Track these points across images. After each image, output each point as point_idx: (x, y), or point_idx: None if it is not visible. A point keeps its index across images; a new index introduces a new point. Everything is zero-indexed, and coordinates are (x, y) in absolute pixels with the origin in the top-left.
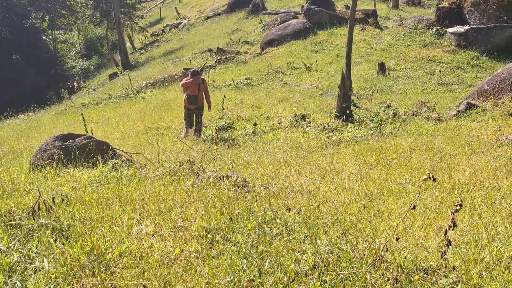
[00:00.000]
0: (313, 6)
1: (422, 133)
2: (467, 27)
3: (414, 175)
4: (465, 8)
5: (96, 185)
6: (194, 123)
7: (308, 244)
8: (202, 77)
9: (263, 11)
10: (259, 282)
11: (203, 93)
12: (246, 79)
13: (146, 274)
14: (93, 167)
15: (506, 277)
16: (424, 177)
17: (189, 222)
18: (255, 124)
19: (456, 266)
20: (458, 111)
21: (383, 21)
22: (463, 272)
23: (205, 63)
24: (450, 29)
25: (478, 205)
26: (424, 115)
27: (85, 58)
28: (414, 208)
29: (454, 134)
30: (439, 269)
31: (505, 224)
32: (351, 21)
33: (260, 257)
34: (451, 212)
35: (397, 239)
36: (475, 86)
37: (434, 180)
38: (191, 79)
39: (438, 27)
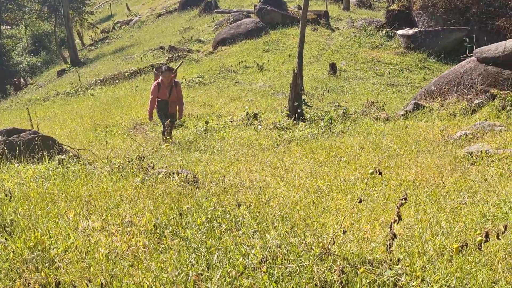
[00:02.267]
0: (266, 6)
1: (371, 132)
2: (416, 29)
3: (362, 172)
4: (414, 11)
5: (42, 181)
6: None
7: (257, 239)
8: (176, 79)
9: (216, 10)
10: (207, 276)
11: (175, 99)
12: (198, 77)
13: (92, 269)
14: (38, 163)
15: (448, 269)
16: (371, 171)
17: (137, 218)
18: (206, 122)
19: (401, 258)
20: (406, 111)
21: (334, 22)
22: (407, 264)
23: (182, 62)
24: (400, 31)
25: (423, 201)
26: (373, 115)
27: (32, 54)
28: (361, 201)
29: (402, 133)
30: (384, 262)
31: (448, 219)
32: (303, 21)
33: (209, 251)
34: (397, 206)
35: (344, 232)
36: (422, 87)
37: (380, 173)
38: (161, 80)
39: (388, 29)
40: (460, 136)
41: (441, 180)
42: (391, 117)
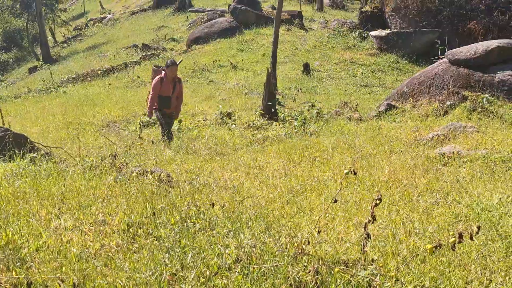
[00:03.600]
0: (240, 6)
1: (344, 133)
2: (389, 31)
3: (336, 172)
4: (386, 12)
5: (13, 179)
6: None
7: (232, 238)
8: (179, 75)
9: (190, 9)
10: (181, 275)
11: (177, 96)
12: None
13: (64, 268)
14: (10, 161)
15: (421, 270)
16: (346, 171)
17: (110, 217)
18: (180, 121)
19: (375, 259)
20: (379, 111)
21: (308, 23)
22: (381, 264)
23: (181, 61)
24: (372, 33)
25: (397, 201)
26: (347, 115)
27: (3, 51)
28: (335, 201)
29: (375, 133)
30: (358, 262)
31: (421, 219)
32: (277, 21)
33: (183, 251)
34: (371, 207)
35: (319, 232)
36: (395, 88)
37: (355, 174)
38: (163, 74)
39: (361, 30)
40: (432, 137)
41: (414, 180)
42: (364, 117)
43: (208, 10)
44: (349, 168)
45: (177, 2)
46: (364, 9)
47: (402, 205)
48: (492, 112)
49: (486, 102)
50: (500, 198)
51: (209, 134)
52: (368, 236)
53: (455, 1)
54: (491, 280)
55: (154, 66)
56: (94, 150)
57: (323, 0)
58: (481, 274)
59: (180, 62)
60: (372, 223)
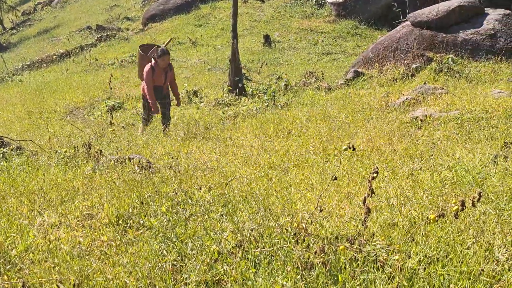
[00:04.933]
0: None
1: (315, 103)
2: None
3: (314, 144)
4: None
5: None
6: (161, 117)
7: (227, 222)
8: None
9: None
10: (181, 265)
11: (169, 82)
12: (130, 56)
13: (58, 268)
14: None
15: (425, 240)
16: (344, 147)
17: (96, 210)
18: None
19: (375, 232)
20: (347, 79)
21: None
22: (382, 238)
23: (170, 40)
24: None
25: (381, 170)
26: (315, 85)
27: None
28: (335, 179)
29: (346, 102)
30: (360, 237)
31: (414, 187)
32: None
33: (180, 239)
34: (368, 180)
35: (321, 210)
36: (356, 54)
37: (354, 149)
38: (153, 63)
39: None
40: (403, 101)
41: (392, 147)
42: (333, 86)
43: None
44: (347, 143)
45: None
46: None
47: (388, 174)
48: (458, 72)
49: (451, 63)
50: (481, 159)
51: (178, 114)
52: (369, 210)
53: None
54: (489, 243)
55: (140, 47)
56: (63, 139)
57: None
58: (480, 239)
59: (169, 41)
60: (371, 196)
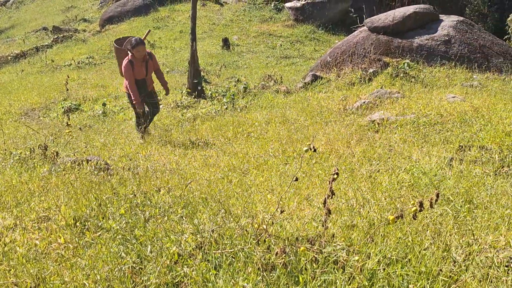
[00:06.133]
0: None
1: (274, 106)
2: (304, 1)
3: (273, 147)
4: None
5: None
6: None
7: (186, 224)
8: (148, 50)
9: None
10: (140, 268)
11: (154, 72)
12: (87, 58)
13: (14, 271)
14: None
15: (383, 241)
16: (305, 148)
17: (53, 212)
18: (104, 105)
19: (335, 233)
20: (305, 83)
21: None
22: (342, 239)
23: (149, 31)
24: (288, 4)
25: (340, 172)
26: (273, 88)
27: None
28: (296, 180)
29: (304, 105)
30: (320, 238)
31: (372, 189)
32: None
33: (139, 241)
34: (329, 181)
35: (282, 212)
36: (314, 58)
37: (315, 150)
38: (130, 56)
39: (276, 2)
40: (361, 105)
41: (351, 150)
42: (291, 89)
43: None
44: (308, 144)
45: None
46: None
47: (346, 176)
48: (414, 77)
49: (407, 68)
50: (437, 162)
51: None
52: (329, 211)
53: None
54: (447, 244)
55: (115, 41)
56: (18, 140)
57: None
58: (437, 240)
59: (148, 33)
60: (331, 198)
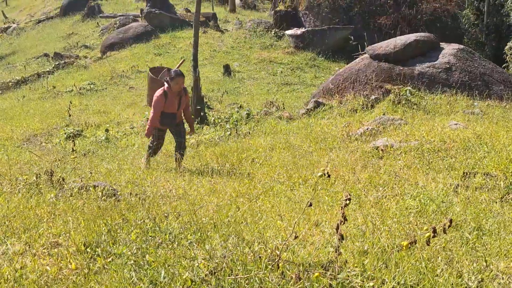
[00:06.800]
0: (154, 9)
1: (278, 132)
2: (304, 29)
3: (278, 173)
4: (300, 11)
5: None
6: (175, 146)
7: (198, 250)
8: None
9: (100, 15)
10: None
11: (183, 109)
12: (89, 84)
13: None
14: None
15: (398, 266)
16: (319, 173)
17: (62, 237)
18: (106, 130)
19: (348, 259)
20: (308, 109)
21: (223, 24)
22: (356, 265)
23: (183, 61)
24: (288, 32)
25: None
26: (276, 114)
27: None
28: (310, 205)
29: (308, 131)
30: (333, 264)
31: (382, 216)
32: (196, 23)
33: (151, 267)
34: (341, 207)
35: (296, 237)
36: (315, 85)
37: (329, 176)
38: (166, 87)
39: (276, 30)
40: (364, 131)
41: (356, 176)
42: (294, 115)
43: (120, 15)
44: (322, 170)
45: (86, 9)
46: (278, 8)
47: (354, 202)
48: (416, 104)
49: (409, 94)
50: (442, 188)
51: (139, 143)
52: (342, 237)
53: None
54: (459, 270)
55: (150, 70)
56: (23, 166)
57: (235, 1)
58: (449, 266)
59: (182, 63)
60: (344, 223)
